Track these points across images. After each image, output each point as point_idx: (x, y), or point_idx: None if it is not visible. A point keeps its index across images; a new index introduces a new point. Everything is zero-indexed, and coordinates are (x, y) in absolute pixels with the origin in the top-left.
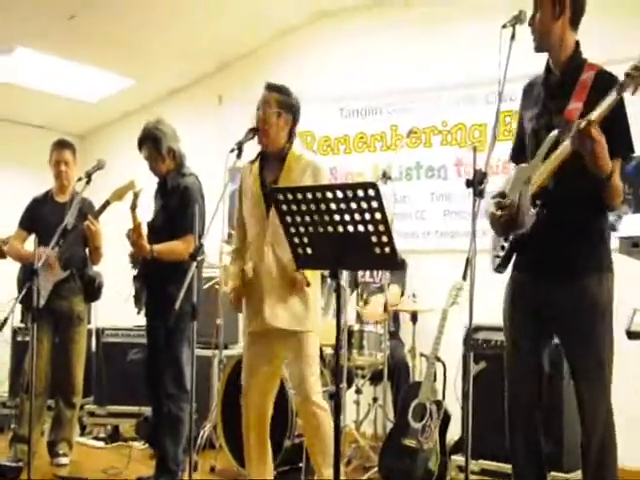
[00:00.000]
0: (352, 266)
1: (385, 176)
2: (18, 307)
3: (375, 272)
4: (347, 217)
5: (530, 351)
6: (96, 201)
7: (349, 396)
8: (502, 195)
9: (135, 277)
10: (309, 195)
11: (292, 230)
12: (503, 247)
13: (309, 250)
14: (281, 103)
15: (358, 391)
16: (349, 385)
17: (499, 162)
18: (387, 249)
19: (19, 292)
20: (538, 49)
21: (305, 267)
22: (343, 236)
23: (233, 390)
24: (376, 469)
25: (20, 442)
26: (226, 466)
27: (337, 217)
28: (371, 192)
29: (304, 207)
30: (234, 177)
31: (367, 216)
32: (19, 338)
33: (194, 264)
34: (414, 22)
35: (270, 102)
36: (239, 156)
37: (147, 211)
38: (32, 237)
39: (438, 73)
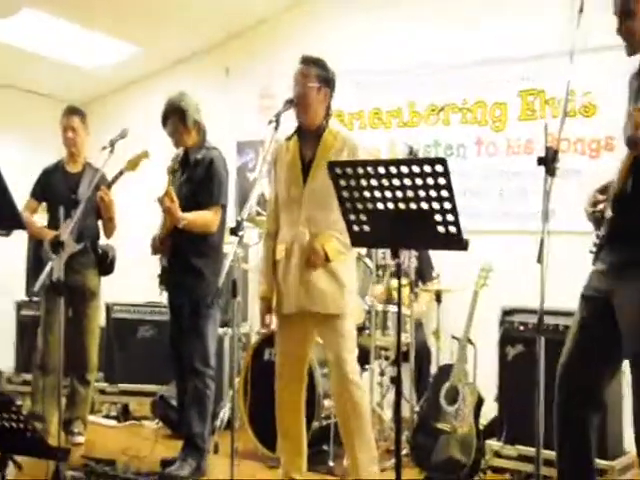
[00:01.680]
0: (412, 245)
1: (412, 153)
2: (22, 280)
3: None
4: (410, 193)
5: (600, 358)
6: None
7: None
8: (604, 189)
9: (162, 255)
10: (370, 170)
11: (348, 206)
12: (595, 243)
13: (366, 227)
14: (320, 77)
15: (382, 373)
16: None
17: (520, 142)
18: (452, 228)
19: (30, 265)
20: (632, 53)
21: (360, 245)
22: (404, 213)
23: (255, 369)
24: (403, 453)
25: (36, 420)
26: (248, 447)
27: (399, 193)
28: (439, 168)
29: (364, 182)
30: (242, 151)
31: (432, 193)
32: (23, 312)
33: (236, 240)
34: None
35: (310, 76)
36: (277, 128)
37: (154, 182)
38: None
39: (458, 49)
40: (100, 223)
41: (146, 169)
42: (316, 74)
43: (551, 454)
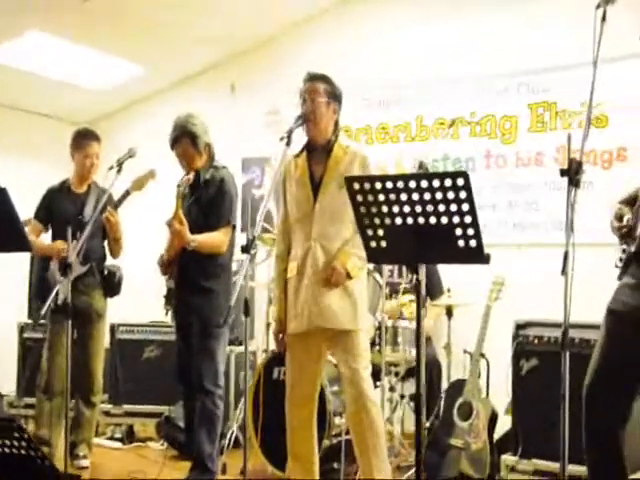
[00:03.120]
0: (432, 260)
1: (422, 167)
2: (24, 303)
3: (405, 272)
4: (430, 208)
5: (629, 373)
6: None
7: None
8: (630, 201)
9: (169, 276)
10: (389, 184)
11: (366, 222)
12: (621, 257)
13: (383, 243)
14: (328, 92)
15: (392, 389)
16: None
17: (530, 154)
18: (473, 242)
19: (34, 287)
20: None
21: (378, 261)
22: (424, 228)
23: (263, 388)
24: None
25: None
26: (257, 467)
27: (419, 208)
28: (460, 182)
29: (382, 197)
30: (247, 168)
31: (453, 207)
32: (26, 335)
33: (247, 257)
34: (441, 9)
35: (319, 92)
36: (289, 144)
37: (160, 201)
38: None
39: (466, 62)
40: (106, 243)
41: (152, 188)
42: (324, 89)
43: (572, 468)
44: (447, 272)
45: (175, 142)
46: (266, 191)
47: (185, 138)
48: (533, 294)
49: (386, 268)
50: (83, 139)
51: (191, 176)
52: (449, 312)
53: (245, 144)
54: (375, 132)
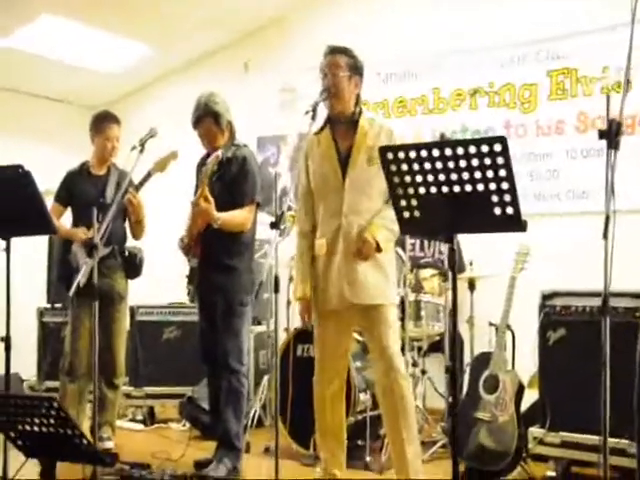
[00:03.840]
0: (467, 229)
1: (443, 139)
2: (42, 288)
3: (427, 246)
4: (465, 175)
5: None
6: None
7: None
8: None
9: (192, 256)
10: (424, 153)
11: (399, 192)
12: None
13: (417, 213)
14: (350, 65)
15: (414, 364)
16: None
17: (550, 123)
18: (509, 209)
19: (56, 270)
20: None
21: (411, 232)
22: (459, 197)
23: (287, 366)
24: (439, 444)
25: None
26: (282, 444)
27: (454, 176)
28: (497, 147)
29: (416, 166)
30: (263, 146)
31: (489, 173)
32: (45, 319)
33: (276, 233)
34: None
35: (340, 65)
36: (314, 118)
37: (176, 181)
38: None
39: (483, 31)
40: (127, 225)
41: (169, 168)
42: (346, 63)
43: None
44: (468, 245)
45: (198, 121)
46: (284, 169)
47: (208, 117)
48: (556, 264)
49: (408, 242)
50: (103, 122)
51: (220, 153)
52: (471, 285)
53: (260, 123)
54: (392, 106)
